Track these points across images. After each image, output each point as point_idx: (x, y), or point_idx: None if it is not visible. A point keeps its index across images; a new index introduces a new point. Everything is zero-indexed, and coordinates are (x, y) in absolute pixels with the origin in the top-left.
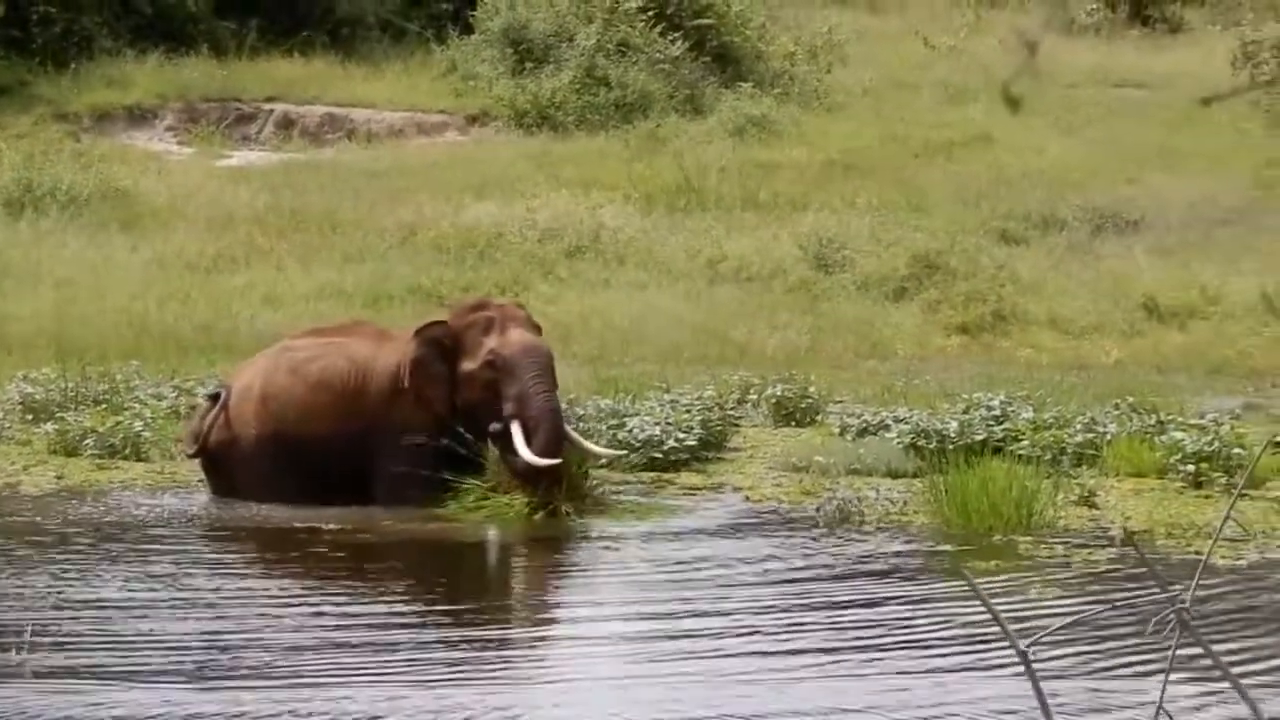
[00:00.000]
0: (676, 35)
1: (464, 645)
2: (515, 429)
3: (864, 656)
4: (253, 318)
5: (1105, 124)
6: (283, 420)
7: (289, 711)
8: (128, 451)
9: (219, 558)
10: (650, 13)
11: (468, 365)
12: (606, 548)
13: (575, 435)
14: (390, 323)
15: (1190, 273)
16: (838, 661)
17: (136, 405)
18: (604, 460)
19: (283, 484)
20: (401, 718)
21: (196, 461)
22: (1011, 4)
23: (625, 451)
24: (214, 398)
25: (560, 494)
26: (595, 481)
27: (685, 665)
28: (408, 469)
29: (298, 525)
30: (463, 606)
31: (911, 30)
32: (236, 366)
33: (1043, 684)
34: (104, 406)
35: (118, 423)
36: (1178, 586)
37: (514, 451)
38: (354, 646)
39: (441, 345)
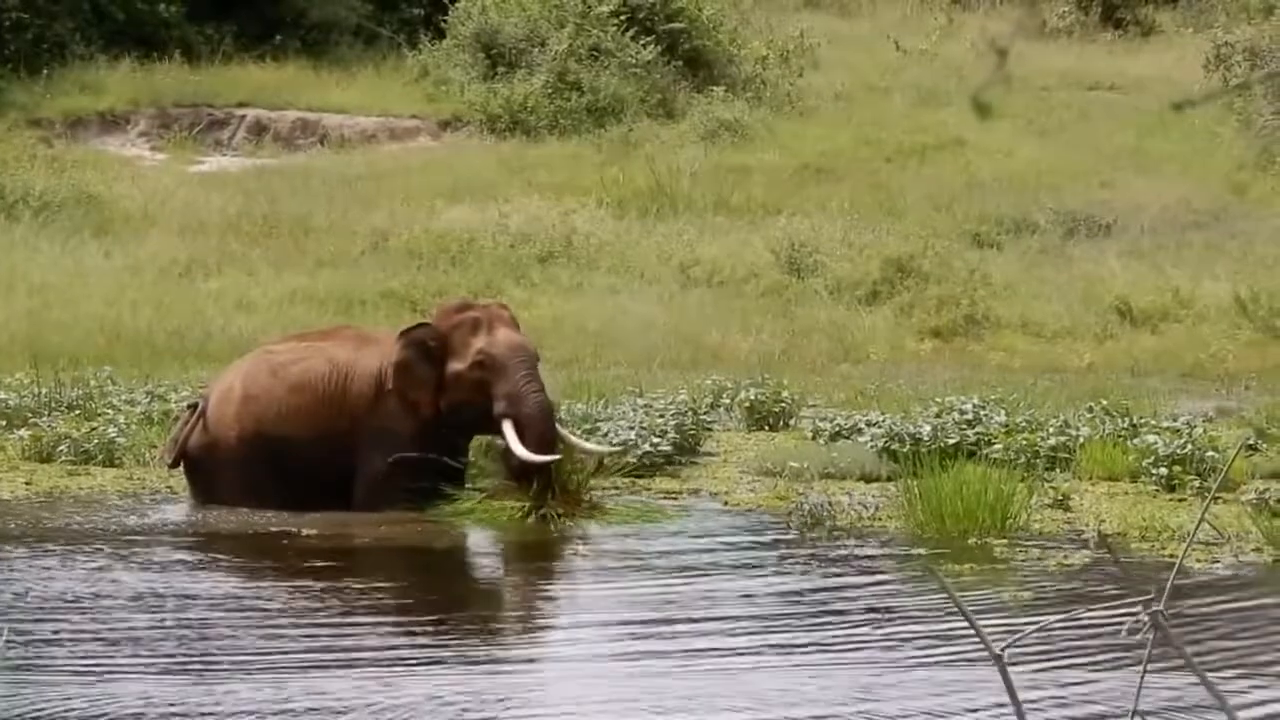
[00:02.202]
0: (648, 40)
1: (445, 638)
2: (508, 427)
3: (842, 655)
4: (225, 324)
5: (1078, 127)
6: (263, 422)
7: (266, 702)
8: (101, 458)
9: (188, 558)
10: (622, 17)
11: (456, 366)
12: (589, 549)
13: (567, 433)
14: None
15: (1163, 276)
16: (819, 660)
17: (110, 411)
18: (593, 456)
19: (263, 487)
20: (379, 708)
21: (173, 470)
22: (983, 7)
23: (617, 448)
24: (193, 407)
25: (555, 498)
26: (591, 487)
27: (668, 663)
28: (388, 473)
29: (274, 529)
30: (444, 603)
31: (883, 34)
32: (210, 372)
33: (1018, 686)
34: (78, 412)
35: (92, 429)
36: (1151, 589)
37: (508, 450)
38: (331, 640)
39: (427, 347)
